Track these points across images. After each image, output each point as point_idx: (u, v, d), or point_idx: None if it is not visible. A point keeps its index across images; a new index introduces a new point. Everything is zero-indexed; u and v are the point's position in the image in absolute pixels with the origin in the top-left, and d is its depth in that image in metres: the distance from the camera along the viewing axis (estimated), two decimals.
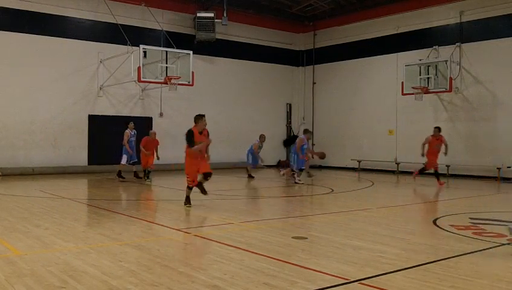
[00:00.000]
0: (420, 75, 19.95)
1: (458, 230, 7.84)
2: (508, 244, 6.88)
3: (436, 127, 16.21)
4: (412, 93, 19.80)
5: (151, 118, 20.76)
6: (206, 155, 10.21)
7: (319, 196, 13.42)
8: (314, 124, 25.59)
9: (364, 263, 5.69)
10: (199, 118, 9.84)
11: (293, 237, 7.09)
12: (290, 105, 26.14)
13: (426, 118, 20.60)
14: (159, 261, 5.70)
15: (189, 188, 10.17)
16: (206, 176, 10.09)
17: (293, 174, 16.48)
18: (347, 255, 6.11)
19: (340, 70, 24.45)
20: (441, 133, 16.13)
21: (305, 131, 16.68)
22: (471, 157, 19.20)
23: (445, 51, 19.84)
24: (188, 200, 10.12)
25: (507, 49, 18.40)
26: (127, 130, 16.30)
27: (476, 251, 6.41)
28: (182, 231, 7.51)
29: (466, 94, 19.59)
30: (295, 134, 24.94)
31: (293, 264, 5.57)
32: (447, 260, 5.92)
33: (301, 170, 16.12)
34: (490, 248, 6.64)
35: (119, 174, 16.29)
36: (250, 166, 18.13)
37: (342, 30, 24.13)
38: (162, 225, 8.36)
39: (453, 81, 19.30)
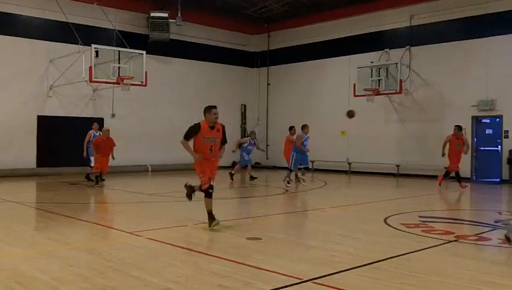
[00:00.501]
0: (372, 77, 20.39)
1: (408, 228, 8.04)
2: (456, 241, 7.10)
3: (456, 126, 15.42)
4: (364, 95, 20.21)
5: (102, 119, 20.34)
6: (218, 156, 8.22)
7: (273, 197, 13.49)
8: (269, 125, 25.74)
9: (318, 262, 5.76)
10: (207, 109, 8.08)
11: (247, 238, 7.09)
12: (244, 106, 26.19)
13: (377, 119, 21.08)
14: (111, 265, 5.58)
15: (207, 194, 7.89)
16: (209, 189, 7.90)
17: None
18: (301, 255, 6.16)
19: (295, 72, 24.68)
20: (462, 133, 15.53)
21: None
22: (420, 157, 19.74)
23: (396, 54, 20.33)
24: (211, 217, 7.82)
25: (454, 52, 19.05)
26: (90, 131, 15.90)
27: (425, 248, 6.59)
28: (134, 234, 7.38)
29: (415, 96, 20.13)
30: None
31: (247, 265, 5.57)
32: (398, 257, 6.06)
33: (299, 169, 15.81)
34: (439, 245, 6.84)
35: (87, 177, 15.88)
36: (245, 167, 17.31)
37: (296, 32, 24.37)
38: (113, 228, 8.21)
39: (403, 83, 19.80)
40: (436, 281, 5.06)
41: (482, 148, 18.66)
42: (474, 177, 18.55)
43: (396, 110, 20.83)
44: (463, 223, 8.88)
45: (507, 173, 17.69)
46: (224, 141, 8.26)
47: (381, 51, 20.91)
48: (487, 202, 13.26)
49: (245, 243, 6.85)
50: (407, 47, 20.19)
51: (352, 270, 5.42)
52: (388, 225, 8.44)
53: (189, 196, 8.58)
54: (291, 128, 17.10)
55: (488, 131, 18.71)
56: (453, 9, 19.01)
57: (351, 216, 9.91)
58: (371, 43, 21.45)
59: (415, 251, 6.40)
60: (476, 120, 18.80)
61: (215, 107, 8.09)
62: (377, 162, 20.93)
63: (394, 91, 19.95)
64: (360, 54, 21.57)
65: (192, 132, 7.94)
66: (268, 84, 25.96)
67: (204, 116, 8.11)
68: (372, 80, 20.35)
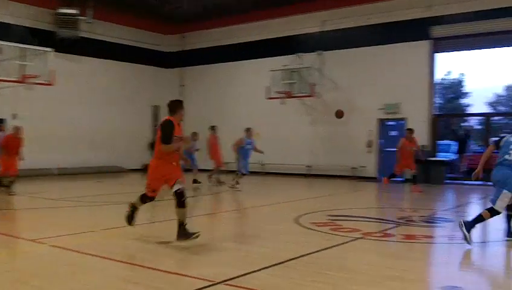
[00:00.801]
0: (284, 81, 20.78)
1: (318, 227, 8.24)
2: (362, 238, 7.37)
3: (408, 129, 15.61)
4: (277, 98, 20.55)
5: (3, 120, 19.13)
6: (182, 161, 7.45)
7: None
8: (184, 128, 25.38)
9: (230, 264, 5.74)
10: (179, 104, 7.01)
11: (157, 242, 6.93)
12: (157, 107, 25.71)
13: (290, 121, 21.52)
14: (9, 275, 5.23)
15: (143, 199, 7.18)
16: (180, 197, 6.72)
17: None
18: (213, 257, 6.11)
19: (210, 73, 24.61)
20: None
21: (247, 130, 15.49)
22: (330, 158, 20.40)
23: (308, 58, 20.85)
24: (131, 218, 7.22)
25: (363, 57, 19.89)
26: None
27: (334, 246, 6.78)
28: (37, 242, 6.97)
29: (327, 99, 20.76)
30: None
31: (158, 270, 5.44)
32: (309, 255, 6.18)
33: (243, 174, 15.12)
34: (347, 242, 7.06)
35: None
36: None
37: (212, 33, 24.30)
38: (14, 237, 7.72)
39: (314, 86, 20.35)
40: (344, 278, 5.21)
41: (387, 149, 19.54)
42: (380, 177, 19.37)
43: (308, 112, 21.35)
44: (369, 221, 9.24)
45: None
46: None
47: (294, 55, 21.35)
48: (392, 200, 13.91)
49: (155, 247, 6.69)
50: (318, 51, 20.76)
51: (265, 270, 5.45)
52: (299, 224, 8.60)
53: (130, 217, 7.20)
54: (213, 127, 16.78)
55: (393, 133, 19.67)
56: (362, 17, 19.82)
57: (263, 217, 10.00)
58: (284, 46, 21.84)
59: (325, 249, 6.57)
60: (382, 122, 19.75)
61: (182, 102, 7.18)
62: (289, 163, 21.36)
63: (306, 94, 20.46)
64: (273, 58, 21.88)
65: (171, 129, 6.73)
66: (182, 85, 25.70)
67: (174, 112, 6.93)
68: (285, 83, 20.74)
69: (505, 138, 7.41)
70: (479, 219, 7.00)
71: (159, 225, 8.76)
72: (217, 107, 24.06)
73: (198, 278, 5.07)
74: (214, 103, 24.25)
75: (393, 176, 15.47)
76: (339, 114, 20.14)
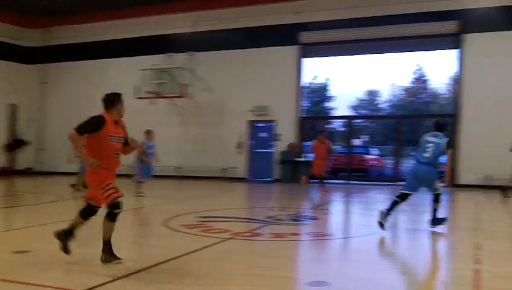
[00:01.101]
0: (154, 80, 20.37)
1: (188, 229, 8.12)
2: (232, 238, 7.39)
3: (319, 131, 15.93)
4: (147, 98, 20.09)
5: None
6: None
7: (45, 205, 12.41)
8: (47, 127, 23.89)
9: (96, 271, 5.40)
10: (117, 97, 5.87)
11: (14, 252, 6.34)
12: (15, 106, 23.81)
13: (160, 122, 21.09)
14: None
15: (112, 216, 5.69)
16: (114, 209, 5.66)
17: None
18: (75, 266, 5.72)
19: (76, 70, 23.37)
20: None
21: (147, 132, 13.74)
22: (200, 159, 20.40)
23: (179, 58, 20.65)
24: (111, 250, 5.70)
25: (235, 59, 20.18)
26: None
27: (204, 247, 6.71)
28: None
29: (198, 100, 20.72)
30: (22, 138, 22.93)
31: (13, 281, 4.95)
32: (177, 258, 6.04)
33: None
34: (217, 243, 7.03)
35: None
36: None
37: (80, 29, 23.06)
38: None
39: (186, 87, 20.21)
40: (214, 278, 5.15)
41: (257, 150, 20.06)
42: (250, 178, 19.84)
43: (179, 113, 21.14)
44: (239, 221, 9.33)
45: (278, 172, 19.35)
46: (126, 142, 5.96)
47: (165, 55, 21.02)
48: (261, 200, 14.24)
49: (11, 257, 6.11)
50: (190, 52, 20.65)
51: (133, 275, 5.22)
52: (168, 227, 8.41)
53: (66, 248, 5.85)
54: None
55: (263, 134, 20.21)
56: (233, 19, 20.08)
57: (132, 221, 9.66)
58: (154, 45, 21.43)
59: (194, 251, 6.47)
60: (252, 124, 20.19)
61: (121, 95, 5.93)
62: (158, 165, 20.95)
63: (177, 95, 20.25)
64: (144, 56, 21.37)
65: (94, 125, 5.56)
66: (44, 82, 24.10)
67: (110, 106, 5.78)
68: (155, 83, 20.34)
69: (422, 137, 8.49)
70: (394, 204, 8.20)
71: (14, 233, 8.05)
72: (83, 106, 22.79)
73: (58, 288, 4.71)
74: (81, 101, 23.01)
75: (313, 177, 15.57)
76: (239, 146, 20.03)
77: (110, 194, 5.59)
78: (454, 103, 18.32)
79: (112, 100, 5.85)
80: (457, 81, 18.20)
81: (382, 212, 8.09)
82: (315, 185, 15.90)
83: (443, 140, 8.32)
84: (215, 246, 6.88)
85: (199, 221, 9.00)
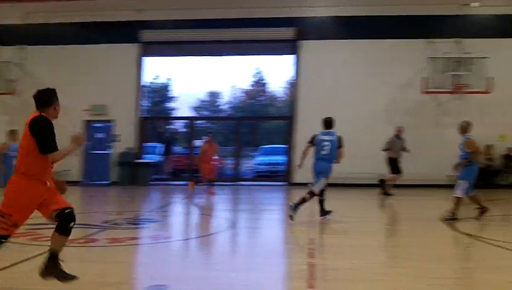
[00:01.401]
0: None
1: (15, 238, 7.34)
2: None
3: (209, 133, 15.58)
4: None
5: None
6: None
7: None
8: None
9: None
10: (54, 94, 5.06)
11: None
12: None
13: None
14: None
15: (65, 230, 4.86)
16: (68, 217, 4.87)
17: None
18: None
19: None
20: None
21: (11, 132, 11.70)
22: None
23: (7, 52, 18.79)
24: (62, 269, 4.85)
25: (69, 55, 18.87)
26: None
27: (32, 257, 6.13)
28: None
29: (28, 97, 19.01)
30: None
31: None
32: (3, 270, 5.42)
33: None
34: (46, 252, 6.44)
35: None
36: None
37: None
38: None
39: (14, 83, 18.49)
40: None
41: (93, 151, 18.98)
42: (85, 181, 18.67)
43: (6, 112, 19.18)
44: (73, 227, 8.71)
45: (116, 175, 18.57)
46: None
47: None
48: (97, 204, 13.55)
49: None
50: (21, 45, 18.88)
51: None
52: None
53: (64, 277, 4.83)
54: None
55: (100, 135, 19.26)
56: (70, 13, 18.69)
57: None
58: None
59: (21, 261, 5.88)
60: (88, 124, 19.09)
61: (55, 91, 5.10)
62: None
63: (3, 92, 18.47)
64: None
65: (53, 132, 4.83)
66: None
67: (47, 105, 4.96)
68: None
69: (316, 137, 9.55)
70: (303, 201, 9.18)
71: None
72: None
73: None
74: None
75: (201, 181, 15.09)
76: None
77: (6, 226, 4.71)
78: (291, 105, 19.32)
79: (50, 98, 5.00)
80: (293, 85, 19.23)
81: (291, 206, 9.11)
82: (201, 188, 15.48)
83: (335, 137, 9.46)
84: (44, 255, 6.29)
85: (27, 228, 8.20)
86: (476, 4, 17.41)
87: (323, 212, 9.50)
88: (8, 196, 4.65)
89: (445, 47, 17.09)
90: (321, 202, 9.54)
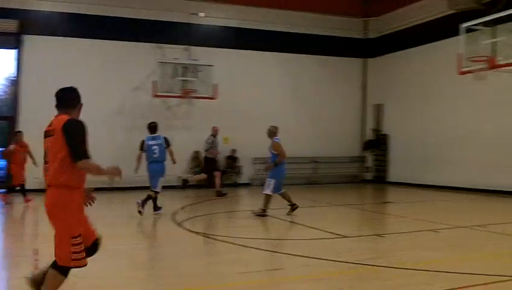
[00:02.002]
0: None
1: None
2: None
3: (18, 132, 13.92)
4: None
5: None
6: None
7: None
8: None
9: None
10: (79, 95, 4.54)
11: None
12: None
13: None
14: None
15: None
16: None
17: None
18: None
19: None
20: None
21: None
22: None
23: None
24: None
25: None
26: None
27: None
28: None
29: None
30: None
31: None
32: None
33: None
34: None
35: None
36: None
37: None
38: None
39: None
40: None
41: None
42: None
43: None
44: None
45: None
46: None
47: None
48: None
49: None
50: None
51: None
52: None
53: None
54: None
55: None
56: None
57: None
58: None
59: None
60: None
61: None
62: None
63: None
64: None
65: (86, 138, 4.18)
66: None
67: (74, 106, 4.46)
68: None
69: (145, 143, 10.98)
70: (149, 197, 10.72)
71: None
72: None
73: None
74: None
75: (13, 189, 13.17)
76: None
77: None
78: (12, 104, 17.45)
79: (77, 98, 4.58)
80: (14, 83, 17.40)
81: (138, 203, 10.46)
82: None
83: (162, 139, 11.02)
84: None
85: None
86: (202, 14, 18.55)
87: (156, 208, 10.96)
88: (63, 216, 4.10)
89: (174, 52, 17.80)
90: (155, 199, 10.92)
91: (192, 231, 9.04)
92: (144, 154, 10.99)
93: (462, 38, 13.43)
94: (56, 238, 4.13)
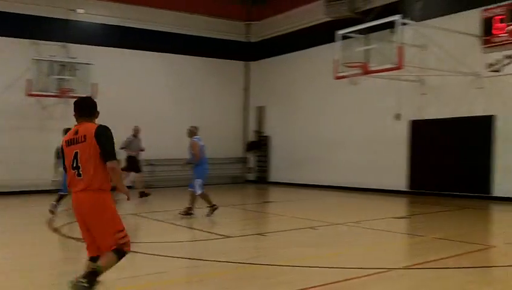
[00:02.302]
0: None
1: None
2: None
3: None
4: None
5: None
6: None
7: None
8: None
9: None
10: (95, 104, 5.00)
11: None
12: None
13: None
14: None
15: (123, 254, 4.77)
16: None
17: None
18: None
19: None
20: None
21: None
22: None
23: None
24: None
25: None
26: None
27: None
28: None
29: None
30: None
31: None
32: None
33: None
34: None
35: None
36: None
37: None
38: None
39: None
40: None
41: None
42: None
43: None
44: None
45: None
46: None
47: None
48: None
49: None
50: None
51: None
52: None
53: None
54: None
55: None
56: None
57: None
58: None
59: None
60: None
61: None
62: None
63: None
64: None
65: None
66: None
67: (93, 114, 4.92)
68: None
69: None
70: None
71: None
72: None
73: None
74: None
75: None
76: None
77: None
78: None
79: (95, 106, 4.95)
80: None
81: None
82: None
83: None
84: None
85: None
86: (82, 11, 17.79)
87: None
88: (106, 216, 4.66)
89: (51, 50, 16.87)
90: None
91: (69, 237, 8.63)
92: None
93: (338, 44, 14.17)
94: (99, 235, 4.66)
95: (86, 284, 4.48)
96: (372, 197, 15.32)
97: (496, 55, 13.77)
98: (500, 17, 13.55)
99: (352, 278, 5.77)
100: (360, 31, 13.94)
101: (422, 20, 14.57)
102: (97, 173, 4.59)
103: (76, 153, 4.64)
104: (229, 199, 15.97)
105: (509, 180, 13.53)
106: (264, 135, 21.92)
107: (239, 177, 22.08)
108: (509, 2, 13.41)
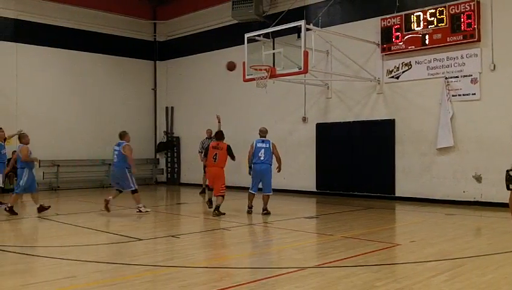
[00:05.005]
0: None
1: None
2: None
3: None
4: None
5: None
6: None
7: None
8: None
9: None
10: None
11: None
12: None
13: None
14: None
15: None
16: None
17: None
18: None
19: None
20: None
21: None
22: None
23: None
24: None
25: None
26: None
27: None
28: None
29: None
30: None
31: None
32: None
33: None
34: None
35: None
36: None
37: None
38: None
39: None
40: None
41: None
42: None
43: None
44: None
45: None
46: None
47: None
48: None
49: None
50: None
51: None
52: None
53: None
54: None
55: None
56: None
57: None
58: None
59: None
60: None
61: None
62: None
63: None
64: None
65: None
66: None
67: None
68: None
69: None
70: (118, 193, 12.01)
71: None
72: None
73: None
74: None
75: None
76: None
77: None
78: None
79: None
80: None
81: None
82: None
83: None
84: None
85: None
86: None
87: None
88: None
89: None
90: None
91: None
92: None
93: (245, 47, 14.35)
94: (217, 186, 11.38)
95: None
96: (284, 197, 15.61)
97: (395, 63, 14.67)
98: (397, 26, 14.46)
99: (263, 278, 5.89)
100: (267, 35, 14.20)
101: (325, 26, 15.17)
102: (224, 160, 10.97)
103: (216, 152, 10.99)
104: (141, 201, 15.63)
105: (408, 180, 14.46)
106: (174, 135, 21.71)
107: (150, 178, 21.70)
108: (404, 12, 14.32)
